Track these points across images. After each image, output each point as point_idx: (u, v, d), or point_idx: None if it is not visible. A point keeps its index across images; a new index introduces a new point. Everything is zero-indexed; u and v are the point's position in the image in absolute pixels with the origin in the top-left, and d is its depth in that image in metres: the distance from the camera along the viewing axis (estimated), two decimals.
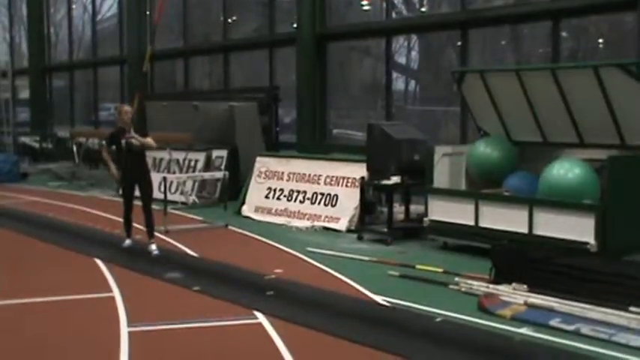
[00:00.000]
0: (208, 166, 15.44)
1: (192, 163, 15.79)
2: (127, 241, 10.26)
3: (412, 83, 17.37)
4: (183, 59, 21.43)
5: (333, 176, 12.33)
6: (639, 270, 7.29)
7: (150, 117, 18.81)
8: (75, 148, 19.84)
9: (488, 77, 10.28)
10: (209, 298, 7.72)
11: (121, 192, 10.60)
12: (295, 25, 16.68)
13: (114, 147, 10.14)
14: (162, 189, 12.24)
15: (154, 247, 9.91)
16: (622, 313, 6.53)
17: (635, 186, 8.58)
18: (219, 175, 14.03)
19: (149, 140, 10.07)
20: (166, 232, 11.32)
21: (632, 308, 6.55)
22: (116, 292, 7.90)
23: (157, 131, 17.23)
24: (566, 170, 8.98)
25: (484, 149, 10.31)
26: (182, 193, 14.82)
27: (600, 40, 13.50)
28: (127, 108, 10.23)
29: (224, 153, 15.31)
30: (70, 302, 7.68)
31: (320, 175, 12.56)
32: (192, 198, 14.81)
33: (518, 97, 9.95)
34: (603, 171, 8.66)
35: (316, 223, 11.99)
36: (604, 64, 9.27)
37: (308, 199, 12.53)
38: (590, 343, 6.06)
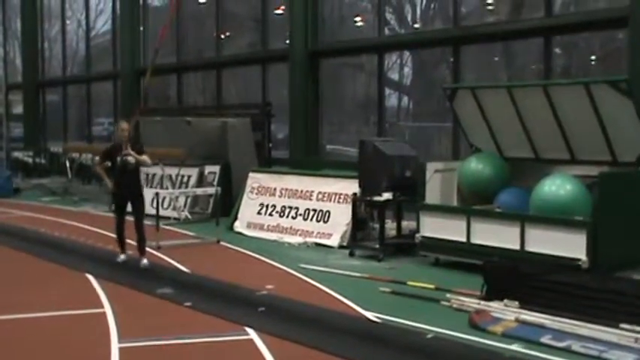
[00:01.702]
0: (201, 181, 15.43)
1: (185, 179, 15.77)
2: (122, 256, 10.26)
3: (405, 99, 17.43)
4: (176, 75, 21.46)
5: (325, 192, 12.33)
6: (630, 286, 7.30)
7: (143, 132, 18.80)
8: (68, 164, 19.81)
9: (479, 94, 10.32)
10: (200, 313, 7.69)
11: (113, 208, 10.52)
12: (288, 42, 16.74)
13: (109, 163, 10.16)
14: (155, 204, 12.22)
15: (145, 261, 9.96)
16: (613, 330, 6.53)
17: (626, 202, 8.61)
18: (211, 190, 14.01)
19: (145, 158, 10.07)
20: (158, 248, 11.29)
21: (623, 325, 6.55)
22: (107, 308, 7.86)
23: (150, 147, 17.30)
24: (557, 186, 9.01)
25: (476, 165, 10.33)
26: (175, 208, 14.80)
27: (593, 57, 13.59)
28: (124, 125, 10.14)
29: (217, 169, 15.31)
30: (61, 318, 7.64)
31: (312, 191, 12.57)
32: (185, 214, 14.79)
33: (510, 114, 10.00)
34: (595, 187, 8.69)
35: (308, 239, 11.98)
36: (594, 80, 9.34)
37: (300, 215, 12.53)
38: None
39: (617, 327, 6.55)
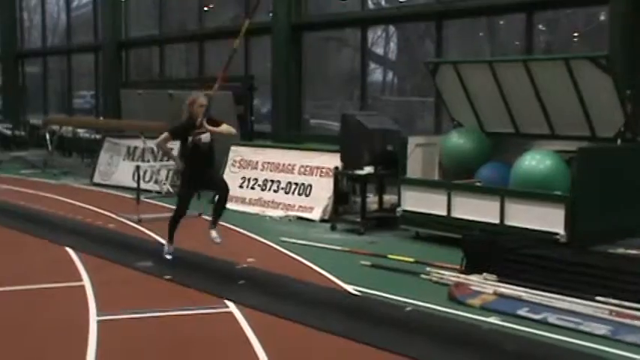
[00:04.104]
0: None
1: None
2: (169, 249, 8.87)
3: (390, 74, 17.41)
4: (158, 47, 21.29)
5: (307, 166, 12.34)
6: (606, 260, 7.38)
7: (124, 105, 18.71)
8: (48, 136, 19.67)
9: (461, 68, 10.33)
10: (180, 286, 7.69)
11: (179, 189, 9.04)
12: (271, 15, 16.62)
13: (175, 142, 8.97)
14: (136, 177, 12.20)
15: (215, 233, 8.75)
16: (589, 303, 6.61)
17: (604, 177, 8.67)
18: None
19: (226, 128, 8.67)
20: (139, 221, 11.27)
21: (598, 298, 6.63)
22: (86, 281, 7.84)
23: (132, 119, 17.24)
24: (537, 161, 9.06)
25: (457, 140, 10.36)
26: (156, 181, 14.75)
27: (575, 34, 13.60)
28: (202, 100, 8.44)
29: None
30: (40, 291, 7.61)
31: (294, 165, 12.57)
32: (167, 187, 14.75)
33: (492, 89, 10.02)
34: (574, 162, 8.73)
35: (290, 213, 12.00)
36: (575, 56, 9.37)
37: (282, 188, 12.54)
38: (556, 332, 6.12)
39: (592, 300, 6.63)
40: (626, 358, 5.57)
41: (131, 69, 22.70)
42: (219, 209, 8.77)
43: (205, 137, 8.42)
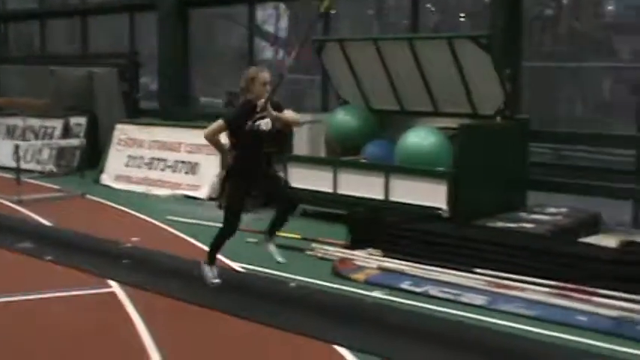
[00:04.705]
0: (67, 133, 14.89)
1: (50, 131, 15.16)
2: (213, 272, 6.85)
3: (281, 52, 17.37)
4: (39, 21, 20.43)
5: (194, 144, 12.16)
6: (485, 233, 7.64)
7: (3, 81, 17.95)
8: None
9: (347, 46, 10.39)
10: (62, 267, 7.48)
11: (226, 197, 6.80)
12: None
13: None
14: (16, 157, 11.74)
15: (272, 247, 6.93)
16: (468, 275, 6.83)
17: (485, 154, 8.93)
18: (76, 142, 13.55)
19: (291, 114, 6.89)
20: (20, 202, 10.86)
21: (477, 270, 6.86)
22: None
23: (11, 96, 16.56)
24: (421, 138, 9.25)
25: (343, 117, 10.45)
26: (38, 161, 14.24)
27: (462, 14, 13.93)
28: (265, 76, 6.55)
29: (83, 120, 14.79)
30: None
31: (181, 143, 12.38)
32: (50, 167, 14.26)
33: (377, 67, 10.13)
34: (455, 139, 8.96)
35: (177, 192, 11.83)
36: (457, 35, 9.60)
37: (169, 167, 12.33)
38: (437, 304, 6.30)
39: (471, 272, 6.85)
40: (501, 325, 5.79)
41: (11, 44, 21.71)
42: (279, 223, 6.85)
43: (266, 123, 6.51)
